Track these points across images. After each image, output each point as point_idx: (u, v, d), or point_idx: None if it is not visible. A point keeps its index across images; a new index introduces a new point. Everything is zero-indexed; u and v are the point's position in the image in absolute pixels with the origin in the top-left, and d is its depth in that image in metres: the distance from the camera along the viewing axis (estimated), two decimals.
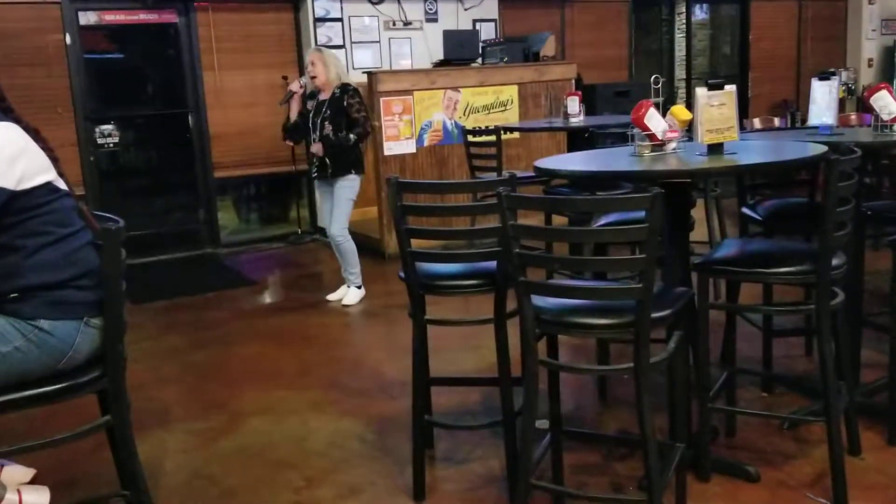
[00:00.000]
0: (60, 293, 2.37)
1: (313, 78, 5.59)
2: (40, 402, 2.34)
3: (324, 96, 5.63)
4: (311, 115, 5.65)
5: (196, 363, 4.79)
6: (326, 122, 5.56)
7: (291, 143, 5.99)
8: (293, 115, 5.69)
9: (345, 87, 5.61)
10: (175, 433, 3.78)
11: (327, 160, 5.57)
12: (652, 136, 3.05)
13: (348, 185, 5.66)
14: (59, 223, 2.41)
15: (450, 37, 7.77)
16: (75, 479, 3.30)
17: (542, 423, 2.89)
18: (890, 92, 3.51)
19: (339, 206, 5.65)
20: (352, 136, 5.54)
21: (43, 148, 2.43)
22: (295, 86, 5.68)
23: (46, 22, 7.15)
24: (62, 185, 2.46)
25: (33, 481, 2.96)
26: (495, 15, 9.05)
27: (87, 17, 7.39)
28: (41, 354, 2.33)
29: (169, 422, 3.91)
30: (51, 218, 2.39)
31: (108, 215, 2.50)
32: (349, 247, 5.73)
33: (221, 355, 4.92)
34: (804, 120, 4.08)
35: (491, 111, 7.56)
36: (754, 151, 3.12)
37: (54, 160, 2.46)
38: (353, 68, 8.00)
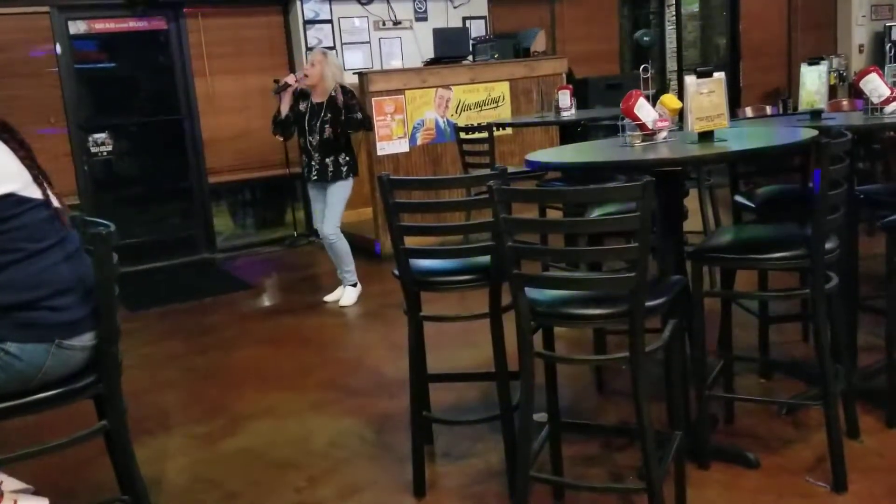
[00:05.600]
0: (30, 314, 2.29)
1: (305, 76, 5.60)
2: (36, 409, 2.33)
3: (318, 99, 5.64)
4: (305, 116, 5.65)
5: (195, 368, 4.79)
6: (327, 126, 5.59)
7: (281, 138, 5.99)
8: (284, 109, 5.69)
9: (343, 89, 5.65)
10: (175, 437, 3.78)
11: (328, 163, 5.60)
12: (642, 126, 3.05)
13: (343, 187, 5.70)
14: (28, 239, 2.30)
15: (440, 35, 7.77)
16: (75, 486, 3.30)
17: (541, 416, 2.89)
18: (879, 75, 3.51)
19: (333, 206, 5.67)
20: (359, 115, 5.61)
21: (23, 155, 2.36)
22: (290, 78, 5.70)
23: (36, 32, 7.15)
24: (34, 193, 2.34)
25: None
26: (485, 12, 9.05)
27: (77, 27, 7.38)
28: (7, 377, 2.26)
29: (169, 426, 3.92)
30: (19, 234, 2.29)
31: (98, 220, 2.48)
32: (342, 246, 5.75)
33: (220, 359, 4.92)
34: (796, 107, 4.08)
35: (483, 108, 7.56)
36: (745, 138, 3.12)
37: (31, 164, 2.37)
38: (344, 69, 7.98)
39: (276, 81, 5.56)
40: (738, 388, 3.57)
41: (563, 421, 2.96)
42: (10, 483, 2.89)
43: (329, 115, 5.59)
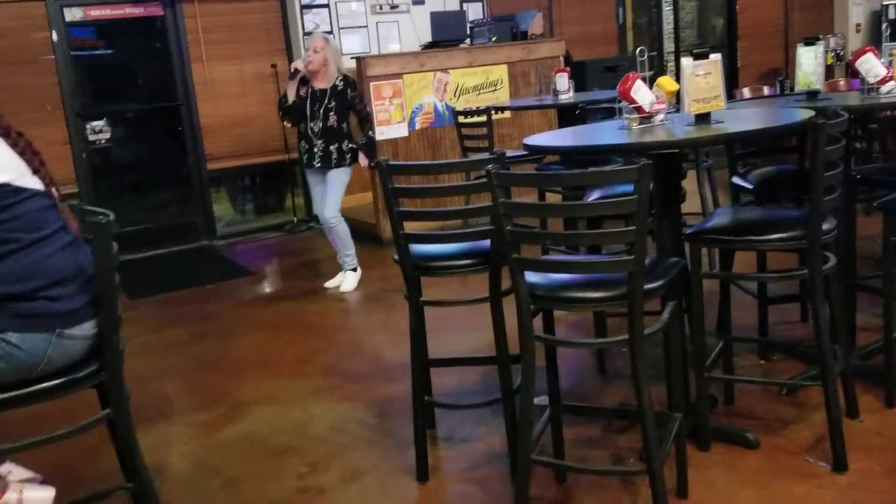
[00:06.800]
0: (29, 305, 2.29)
1: (308, 62, 5.59)
2: (39, 399, 2.34)
3: (321, 85, 5.63)
4: (307, 102, 5.65)
5: (196, 355, 4.80)
6: (331, 114, 5.60)
7: (289, 124, 5.98)
8: (291, 96, 5.68)
9: (347, 79, 5.69)
10: (177, 425, 3.80)
11: (332, 150, 5.61)
12: (639, 109, 3.04)
13: (344, 172, 5.73)
14: (25, 228, 2.30)
15: (437, 18, 7.74)
16: (79, 475, 3.32)
17: (542, 399, 2.90)
18: (875, 54, 3.50)
19: (333, 189, 5.68)
20: (371, 133, 5.85)
21: (22, 149, 2.35)
22: (299, 64, 5.69)
23: (32, 20, 7.13)
24: (31, 184, 2.33)
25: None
26: None
27: (73, 14, 7.36)
28: (8, 367, 2.27)
29: (171, 414, 3.94)
30: (15, 224, 2.28)
31: (97, 209, 2.48)
32: (343, 229, 5.76)
33: (221, 346, 4.94)
34: (793, 87, 4.07)
35: (481, 91, 7.54)
36: (741, 119, 3.12)
37: (30, 159, 2.36)
38: (342, 54, 7.96)
39: (274, 66, 5.57)
40: (737, 369, 3.59)
41: (563, 404, 2.97)
42: (19, 472, 2.90)
43: (333, 103, 5.59)
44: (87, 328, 2.38)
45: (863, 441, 2.99)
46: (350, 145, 5.68)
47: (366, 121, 5.81)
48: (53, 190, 2.44)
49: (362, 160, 5.74)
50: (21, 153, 2.36)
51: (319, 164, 5.67)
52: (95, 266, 2.35)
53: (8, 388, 2.29)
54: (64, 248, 2.39)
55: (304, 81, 5.69)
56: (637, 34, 10.48)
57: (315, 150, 5.65)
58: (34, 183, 2.36)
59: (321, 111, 5.60)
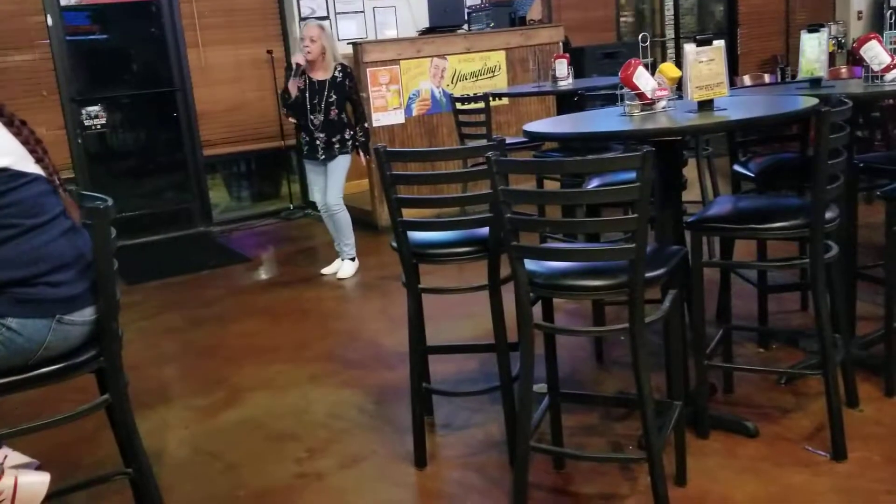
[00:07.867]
0: (30, 290, 2.28)
1: (307, 53, 5.54)
2: (38, 384, 2.33)
3: (320, 76, 5.59)
4: (306, 94, 5.61)
5: (194, 341, 4.79)
6: (332, 108, 5.59)
7: (294, 120, 5.92)
8: (293, 91, 5.63)
9: (345, 69, 5.67)
10: (176, 410, 3.79)
11: (334, 142, 5.61)
12: (641, 95, 3.02)
13: (346, 159, 5.74)
14: (24, 214, 2.28)
15: (435, 4, 7.69)
16: (78, 461, 3.32)
17: (540, 387, 2.90)
18: (880, 42, 3.48)
19: (335, 176, 5.68)
20: (366, 126, 5.89)
21: (25, 138, 2.33)
22: (300, 58, 5.62)
23: (27, 4, 7.06)
24: (30, 168, 2.32)
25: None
26: None
27: None
28: (7, 352, 2.26)
29: (169, 399, 3.93)
30: (15, 209, 2.26)
31: (96, 195, 2.47)
32: (345, 217, 5.75)
33: (219, 332, 4.93)
34: (794, 75, 4.05)
35: (479, 78, 7.51)
36: (744, 107, 3.10)
37: (34, 149, 2.36)
38: (339, 39, 7.91)
39: (270, 52, 5.52)
40: (737, 358, 3.59)
41: (562, 391, 2.97)
42: (15, 457, 2.88)
43: (334, 96, 5.57)
44: (86, 314, 2.37)
45: (862, 430, 2.99)
46: (350, 133, 5.66)
47: (361, 111, 5.81)
48: (55, 179, 2.42)
49: (361, 158, 5.76)
50: (24, 142, 2.35)
51: (323, 157, 5.65)
52: (94, 251, 2.33)
53: (7, 373, 2.27)
54: (64, 234, 2.37)
55: (301, 72, 5.64)
56: (650, 19, 10.47)
57: (317, 142, 5.63)
58: (34, 168, 2.34)
59: (322, 104, 5.58)
